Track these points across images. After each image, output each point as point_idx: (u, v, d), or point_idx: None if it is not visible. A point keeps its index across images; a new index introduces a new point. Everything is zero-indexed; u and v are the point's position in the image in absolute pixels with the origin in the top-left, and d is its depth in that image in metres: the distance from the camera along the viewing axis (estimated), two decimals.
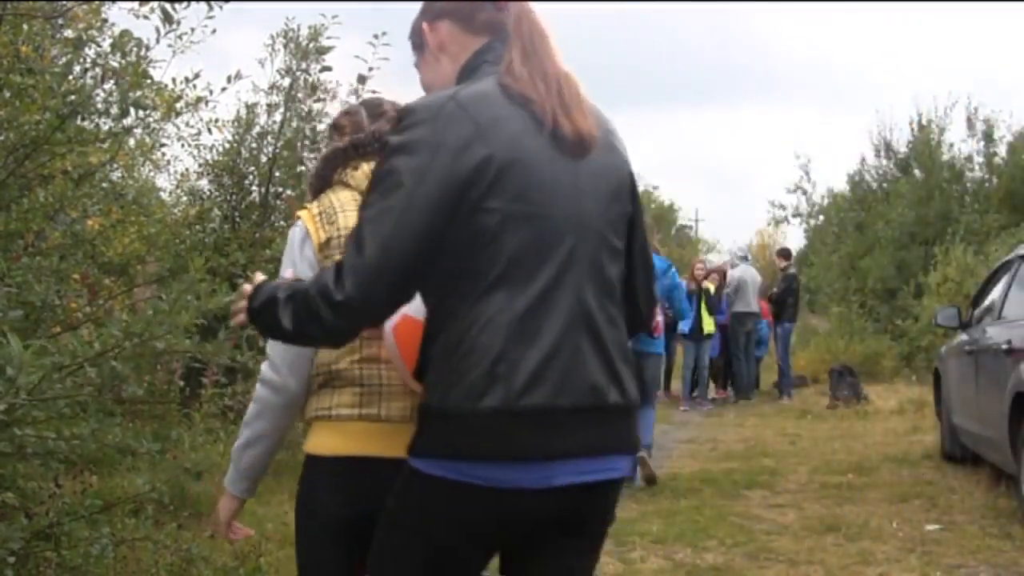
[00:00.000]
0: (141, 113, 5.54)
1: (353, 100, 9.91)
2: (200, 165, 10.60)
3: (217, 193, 10.61)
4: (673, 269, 11.75)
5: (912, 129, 26.76)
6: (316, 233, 3.02)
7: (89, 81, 5.56)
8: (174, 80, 7.11)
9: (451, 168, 2.39)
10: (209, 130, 10.09)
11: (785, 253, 20.26)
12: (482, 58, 2.65)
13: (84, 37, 6.02)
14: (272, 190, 10.38)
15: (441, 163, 2.38)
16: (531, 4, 2.68)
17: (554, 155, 2.49)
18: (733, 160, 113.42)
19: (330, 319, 2.40)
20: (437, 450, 2.41)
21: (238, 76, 8.28)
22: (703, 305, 17.44)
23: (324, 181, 3.18)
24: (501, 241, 2.41)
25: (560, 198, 2.48)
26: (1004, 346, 8.16)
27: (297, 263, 3.00)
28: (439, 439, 2.42)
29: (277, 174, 10.31)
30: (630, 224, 2.67)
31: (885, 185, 27.61)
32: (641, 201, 2.76)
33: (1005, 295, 9.20)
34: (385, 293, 2.42)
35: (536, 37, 2.60)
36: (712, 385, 19.24)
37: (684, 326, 17.40)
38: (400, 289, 2.45)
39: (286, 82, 10.27)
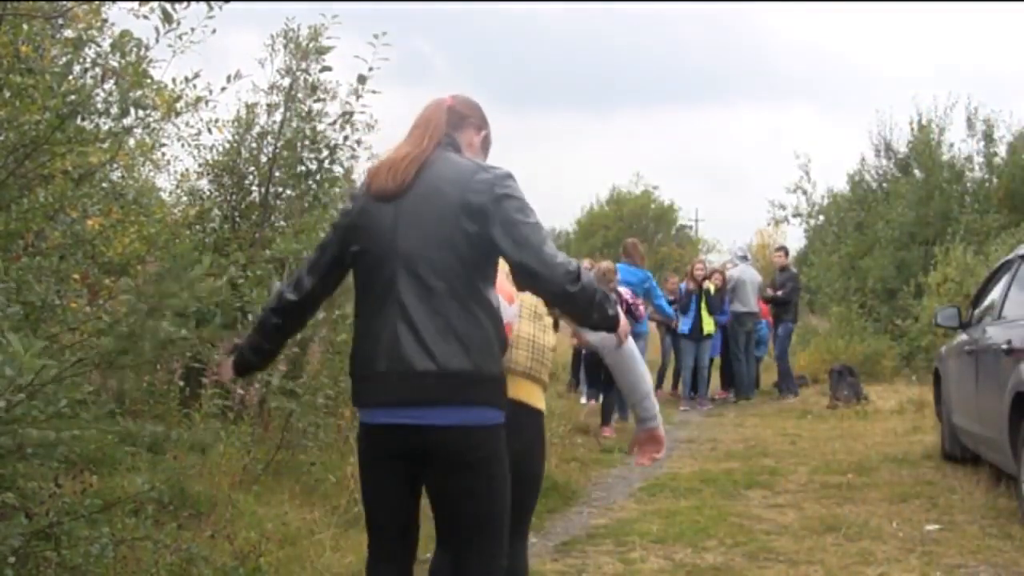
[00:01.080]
0: (141, 113, 5.55)
1: (353, 100, 9.93)
2: (200, 165, 10.60)
3: (217, 193, 10.61)
4: (648, 274, 15.30)
5: (912, 129, 26.71)
6: None
7: (89, 81, 5.56)
8: (174, 80, 7.11)
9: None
10: (209, 130, 10.11)
11: (785, 250, 20.21)
12: None
13: (84, 37, 6.03)
14: (272, 190, 10.38)
15: None
16: (435, 101, 4.06)
17: (382, 207, 3.83)
18: (733, 160, 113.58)
19: None
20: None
21: (238, 76, 8.30)
22: (703, 305, 17.43)
23: None
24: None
25: (385, 241, 3.80)
26: (1004, 346, 8.16)
27: None
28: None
29: (277, 174, 10.31)
30: (482, 236, 3.71)
31: (885, 185, 27.56)
32: (501, 208, 3.71)
33: (1005, 295, 9.19)
34: None
35: (415, 125, 3.99)
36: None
37: (684, 326, 17.42)
38: None
39: (286, 82, 10.27)
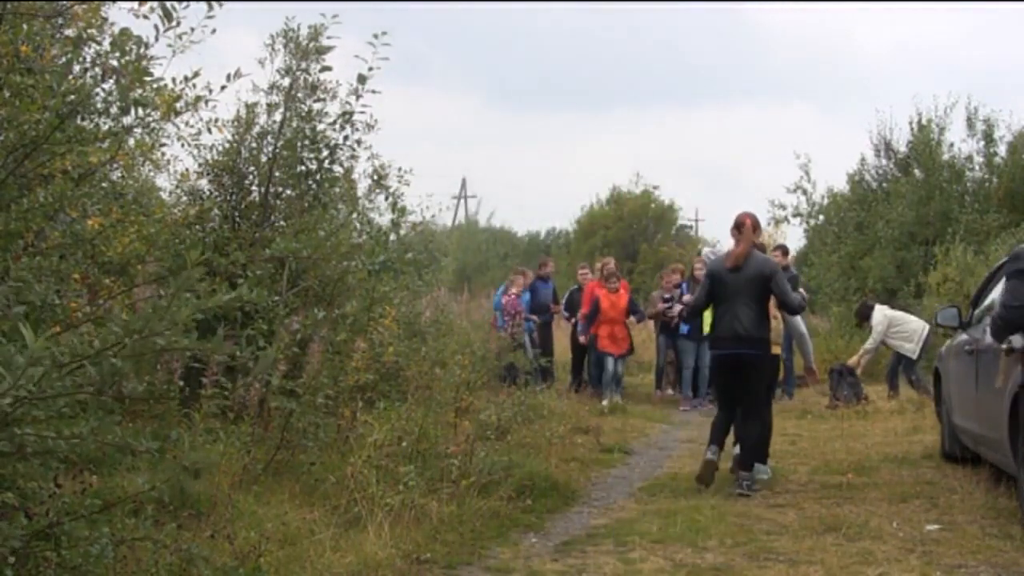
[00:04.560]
0: (141, 112, 5.53)
1: (353, 100, 9.93)
2: (200, 165, 10.58)
3: (217, 193, 10.60)
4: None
5: (912, 129, 26.77)
6: None
7: (89, 80, 5.55)
8: (174, 80, 7.10)
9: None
10: (209, 130, 10.10)
11: (784, 248, 20.24)
12: None
13: (84, 36, 6.02)
14: (272, 190, 10.38)
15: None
16: (747, 219, 10.03)
17: (727, 272, 9.97)
18: (733, 159, 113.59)
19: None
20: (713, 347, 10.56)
21: (238, 75, 8.28)
22: None
23: None
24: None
25: (729, 284, 9.92)
26: (1004, 346, 8.15)
27: None
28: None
29: (277, 174, 10.31)
30: (766, 286, 9.86)
31: (885, 185, 27.57)
32: (774, 277, 9.88)
33: None
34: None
35: (741, 233, 9.97)
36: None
37: (684, 327, 17.42)
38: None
39: (286, 82, 10.28)
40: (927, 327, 16.77)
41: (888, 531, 7.86)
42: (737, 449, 10.24)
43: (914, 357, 16.81)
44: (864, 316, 17.56)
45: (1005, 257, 10.39)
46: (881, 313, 17.22)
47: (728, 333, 9.86)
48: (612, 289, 17.58)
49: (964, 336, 10.22)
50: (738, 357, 9.84)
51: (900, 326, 17.01)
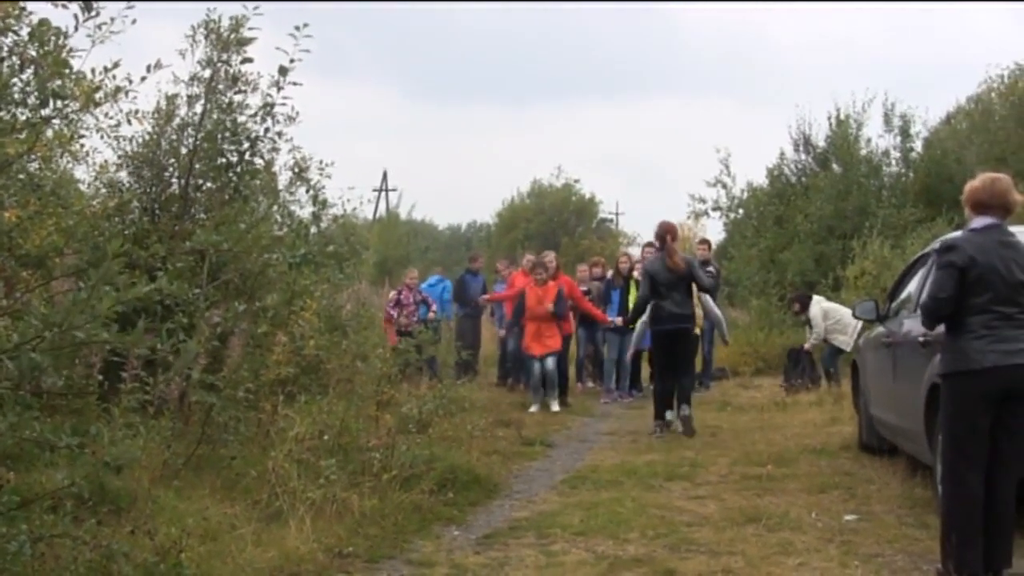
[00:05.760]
0: (59, 103, 5.45)
1: (274, 92, 9.86)
2: (119, 157, 10.44)
3: (136, 185, 10.47)
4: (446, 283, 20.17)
5: (830, 124, 27.05)
6: None
7: (6, 70, 5.46)
8: (93, 71, 7.00)
9: None
10: (129, 121, 9.95)
11: (708, 243, 20.38)
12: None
13: (1, 26, 5.92)
14: (192, 182, 10.27)
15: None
16: (668, 232, 13.31)
17: (667, 271, 13.04)
18: (653, 153, 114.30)
19: None
20: None
21: (158, 66, 8.19)
22: (629, 298, 17.34)
23: None
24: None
25: (663, 279, 13.02)
26: (920, 338, 8.26)
27: None
28: None
29: (197, 166, 10.21)
30: (690, 278, 13.16)
31: (804, 179, 27.82)
32: (691, 267, 13.33)
33: (921, 288, 9.30)
34: None
35: (667, 243, 13.18)
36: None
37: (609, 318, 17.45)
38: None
39: (207, 73, 10.17)
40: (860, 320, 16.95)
41: (807, 521, 7.96)
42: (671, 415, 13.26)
43: (847, 349, 16.92)
44: (803, 306, 17.71)
45: (922, 251, 10.55)
46: (818, 306, 17.39)
47: (667, 315, 12.97)
48: (539, 281, 16.14)
49: (881, 329, 10.35)
50: (675, 331, 13.04)
51: (836, 319, 17.18)
